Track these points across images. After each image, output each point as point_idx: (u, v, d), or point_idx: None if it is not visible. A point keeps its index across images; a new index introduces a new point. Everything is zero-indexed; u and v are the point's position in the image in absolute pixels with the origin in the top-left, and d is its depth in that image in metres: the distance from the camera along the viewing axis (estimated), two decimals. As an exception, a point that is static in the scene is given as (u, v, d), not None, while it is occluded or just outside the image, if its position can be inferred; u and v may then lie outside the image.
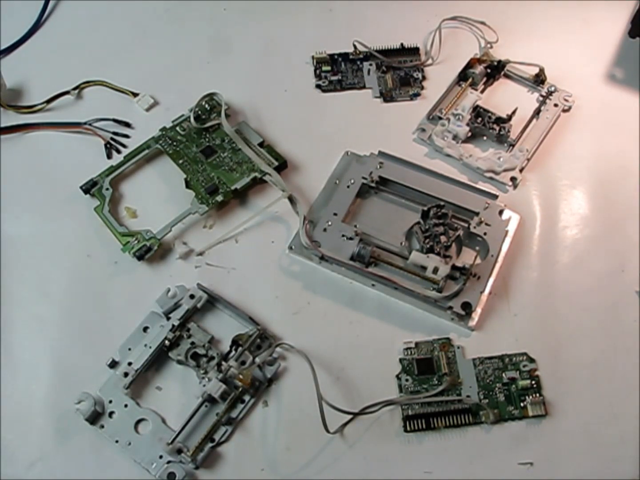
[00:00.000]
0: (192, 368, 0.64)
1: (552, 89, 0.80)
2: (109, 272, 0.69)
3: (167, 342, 0.64)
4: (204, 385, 0.62)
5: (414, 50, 0.84)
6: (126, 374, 0.62)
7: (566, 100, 0.79)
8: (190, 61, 0.84)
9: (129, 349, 0.64)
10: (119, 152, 0.76)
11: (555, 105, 0.79)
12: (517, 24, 0.86)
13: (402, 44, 0.84)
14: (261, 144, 0.76)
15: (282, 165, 0.75)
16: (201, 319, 0.67)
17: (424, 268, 0.67)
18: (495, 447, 0.61)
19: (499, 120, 0.77)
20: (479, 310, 0.66)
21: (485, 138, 0.78)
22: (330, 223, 0.70)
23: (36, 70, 0.82)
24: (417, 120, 0.78)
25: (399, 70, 0.83)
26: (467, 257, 0.69)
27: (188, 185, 0.73)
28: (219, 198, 0.72)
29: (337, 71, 0.82)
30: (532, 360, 0.64)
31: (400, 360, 0.64)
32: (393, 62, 0.83)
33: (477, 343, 0.65)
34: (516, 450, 0.60)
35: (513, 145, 0.76)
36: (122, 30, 0.86)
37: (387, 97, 0.81)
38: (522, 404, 0.62)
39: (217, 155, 0.75)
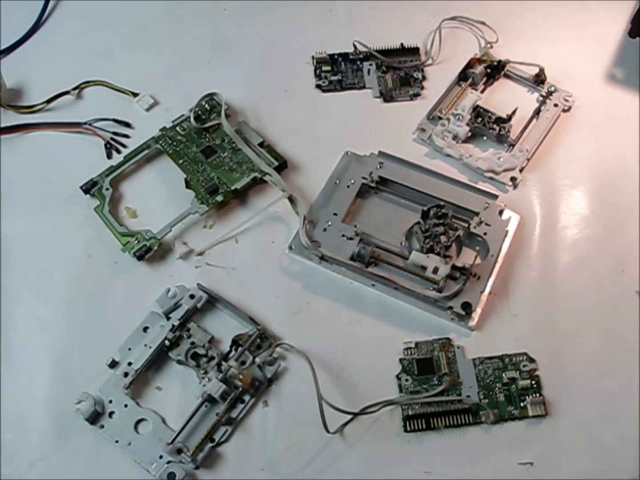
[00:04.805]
0: (192, 368, 0.64)
1: (552, 89, 0.80)
2: (109, 272, 0.69)
3: (167, 342, 0.64)
4: (204, 385, 0.62)
5: (414, 50, 0.84)
6: (126, 374, 0.62)
7: (566, 100, 0.79)
8: (190, 61, 0.84)
9: (129, 349, 0.64)
10: (119, 152, 0.76)
11: (555, 105, 0.79)
12: (517, 24, 0.86)
13: (402, 44, 0.84)
14: (261, 144, 0.76)
15: (282, 165, 0.75)
16: (201, 319, 0.67)
17: (424, 268, 0.67)
18: (495, 447, 0.61)
19: (499, 120, 0.77)
20: (479, 310, 0.66)
21: (485, 138, 0.78)
22: (330, 223, 0.70)
23: (36, 70, 0.82)
24: (417, 120, 0.78)
25: (399, 70, 0.83)
26: (467, 257, 0.69)
27: (188, 185, 0.73)
28: (219, 198, 0.72)
29: (337, 71, 0.82)
30: (532, 360, 0.64)
31: (400, 360, 0.64)
32: (393, 62, 0.83)
33: (477, 343, 0.65)
34: (516, 450, 0.60)
35: (513, 145, 0.76)
36: (122, 30, 0.86)
37: (387, 97, 0.81)
38: (522, 404, 0.62)
39: (217, 155, 0.75)
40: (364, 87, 0.82)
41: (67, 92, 0.80)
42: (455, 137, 0.76)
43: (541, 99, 0.80)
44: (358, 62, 0.83)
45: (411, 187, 0.72)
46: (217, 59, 0.84)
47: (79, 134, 0.77)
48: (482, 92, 0.81)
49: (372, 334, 0.66)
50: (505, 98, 0.80)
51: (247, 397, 0.62)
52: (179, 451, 0.59)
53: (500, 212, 0.71)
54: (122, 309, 0.67)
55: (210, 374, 0.62)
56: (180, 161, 0.74)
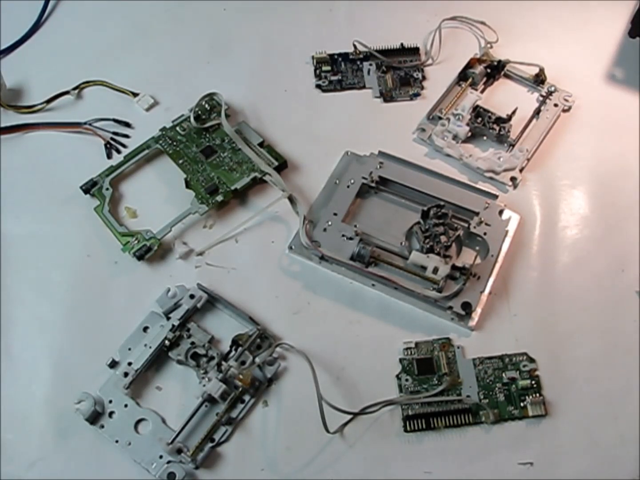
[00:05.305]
0: (192, 368, 0.64)
1: (552, 89, 0.80)
2: (109, 272, 0.69)
3: (167, 342, 0.64)
4: (204, 385, 0.62)
5: (414, 50, 0.84)
6: (126, 374, 0.62)
7: (566, 100, 0.79)
8: (190, 61, 0.83)
9: (129, 349, 0.64)
10: (119, 152, 0.76)
11: (555, 105, 0.79)
12: (517, 24, 0.86)
13: (402, 44, 0.84)
14: (261, 144, 0.76)
15: (282, 165, 0.75)
16: (201, 319, 0.67)
17: (424, 268, 0.67)
18: (495, 447, 0.61)
19: (499, 120, 0.77)
20: (479, 310, 0.66)
21: (485, 138, 0.78)
22: (330, 223, 0.70)
23: (36, 70, 0.82)
24: (417, 120, 0.78)
25: (399, 70, 0.83)
26: (467, 257, 0.69)
27: (188, 185, 0.73)
28: (219, 198, 0.72)
29: (337, 71, 0.82)
30: (532, 360, 0.64)
31: (400, 360, 0.64)
32: (393, 62, 0.83)
33: (477, 343, 0.65)
34: (516, 450, 0.60)
35: (513, 145, 0.76)
36: (122, 30, 0.86)
37: (387, 97, 0.81)
38: (522, 404, 0.62)
39: (217, 155, 0.75)
40: (364, 87, 0.82)
41: (67, 92, 0.80)
42: (455, 137, 0.76)
43: (541, 99, 0.80)
44: (358, 62, 0.83)
45: (411, 187, 0.72)
46: (217, 59, 0.84)
47: (79, 134, 0.77)
48: (482, 92, 0.81)
49: (372, 334, 0.66)
50: (505, 98, 0.80)
51: (247, 397, 0.62)
52: (179, 451, 0.59)
53: (500, 212, 0.71)
54: (122, 309, 0.67)
55: (210, 374, 0.62)
56: (180, 161, 0.74)
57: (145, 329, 0.65)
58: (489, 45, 0.84)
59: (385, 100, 0.81)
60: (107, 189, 0.72)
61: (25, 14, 0.86)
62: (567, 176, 0.75)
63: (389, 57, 0.83)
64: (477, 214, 0.70)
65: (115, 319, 0.66)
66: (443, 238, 0.68)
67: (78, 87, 0.80)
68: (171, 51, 0.84)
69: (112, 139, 0.77)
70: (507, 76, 0.83)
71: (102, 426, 0.61)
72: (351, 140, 0.76)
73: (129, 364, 0.63)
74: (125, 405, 0.62)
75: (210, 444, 0.60)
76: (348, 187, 0.72)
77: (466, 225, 0.70)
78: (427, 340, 0.65)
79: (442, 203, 0.70)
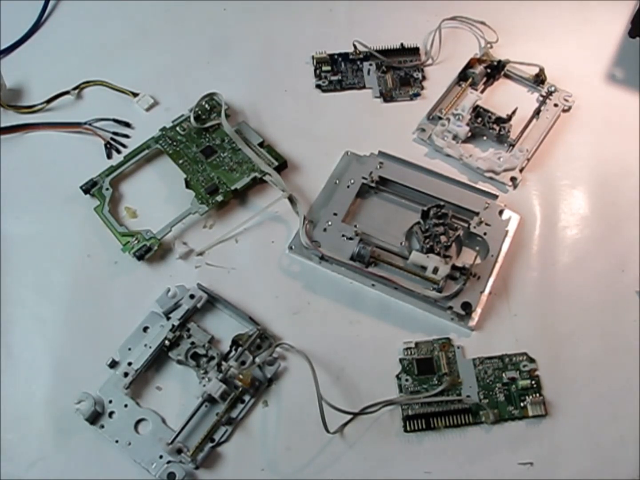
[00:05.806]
0: (192, 368, 0.64)
1: (552, 89, 0.80)
2: (109, 272, 0.69)
3: (167, 342, 0.64)
4: (204, 385, 0.62)
5: (414, 50, 0.84)
6: (126, 374, 0.62)
7: (566, 100, 0.79)
8: (190, 61, 0.84)
9: (129, 349, 0.64)
10: (119, 152, 0.76)
11: (555, 105, 0.79)
12: (517, 24, 0.86)
13: (402, 44, 0.84)
14: (261, 144, 0.76)
15: (282, 165, 0.75)
16: (201, 319, 0.67)
17: (424, 268, 0.67)
18: (495, 447, 0.61)
19: (499, 120, 0.77)
20: (479, 310, 0.66)
21: (485, 138, 0.78)
22: (330, 223, 0.70)
23: (36, 70, 0.82)
24: (417, 120, 0.78)
25: (399, 70, 0.83)
26: (467, 257, 0.69)
27: (188, 185, 0.73)
28: (219, 198, 0.72)
29: (337, 71, 0.82)
30: (532, 360, 0.64)
31: (400, 360, 0.64)
32: (393, 62, 0.83)
33: (477, 343, 0.65)
34: (516, 450, 0.60)
35: (513, 145, 0.76)
36: (122, 30, 0.86)
37: (387, 97, 0.81)
38: (522, 404, 0.62)
39: (217, 155, 0.75)
40: (364, 87, 0.82)
41: (67, 92, 0.80)
42: (455, 137, 0.76)
43: (541, 99, 0.80)
44: (358, 62, 0.83)
45: (411, 187, 0.72)
46: (217, 59, 0.84)
47: (79, 134, 0.77)
48: (482, 92, 0.81)
49: (372, 334, 0.66)
50: (505, 98, 0.80)
51: (247, 397, 0.62)
52: (179, 451, 0.59)
53: (500, 212, 0.71)
54: (122, 309, 0.67)
55: (210, 374, 0.62)
56: (180, 161, 0.74)
57: (145, 329, 0.65)
58: (489, 45, 0.84)
59: (385, 100, 0.81)
60: (107, 189, 0.72)
61: (25, 14, 0.86)
62: (567, 176, 0.75)
63: (389, 57, 0.83)
64: (477, 214, 0.70)
65: (115, 319, 0.66)
66: (443, 238, 0.68)
67: (78, 87, 0.80)
68: (171, 51, 0.84)
69: (112, 139, 0.77)
70: (507, 76, 0.83)
71: (102, 426, 0.61)
72: (351, 140, 0.76)
73: (129, 364, 0.63)
74: (125, 405, 0.62)
75: (210, 444, 0.60)
76: (348, 187, 0.72)
77: (466, 225, 0.70)
78: (427, 340, 0.65)
79: (442, 203, 0.70)
